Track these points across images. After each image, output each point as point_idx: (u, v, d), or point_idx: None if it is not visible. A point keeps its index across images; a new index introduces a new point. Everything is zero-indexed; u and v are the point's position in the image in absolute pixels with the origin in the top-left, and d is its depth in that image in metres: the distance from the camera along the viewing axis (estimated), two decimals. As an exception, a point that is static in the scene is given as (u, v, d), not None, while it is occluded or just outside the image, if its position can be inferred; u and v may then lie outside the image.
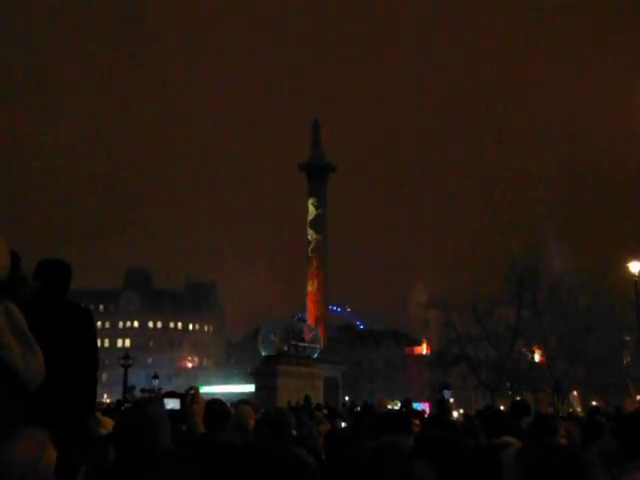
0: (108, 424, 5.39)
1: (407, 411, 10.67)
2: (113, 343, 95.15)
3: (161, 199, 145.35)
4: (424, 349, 61.64)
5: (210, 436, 4.92)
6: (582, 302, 39.45)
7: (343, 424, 11.92)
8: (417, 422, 7.43)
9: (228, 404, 6.31)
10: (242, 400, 8.84)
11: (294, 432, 6.54)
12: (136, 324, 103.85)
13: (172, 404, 5.06)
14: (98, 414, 5.05)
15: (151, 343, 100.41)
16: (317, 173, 67.38)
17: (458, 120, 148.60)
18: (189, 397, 5.11)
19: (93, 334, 4.88)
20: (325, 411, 17.29)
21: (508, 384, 43.16)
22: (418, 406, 32.67)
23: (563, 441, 6.16)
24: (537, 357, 43.94)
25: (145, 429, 3.29)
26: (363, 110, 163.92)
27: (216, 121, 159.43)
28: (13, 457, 2.55)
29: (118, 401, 23.43)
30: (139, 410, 3.44)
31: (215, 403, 5.24)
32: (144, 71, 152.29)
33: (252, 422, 6.86)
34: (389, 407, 16.16)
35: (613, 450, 5.30)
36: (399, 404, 27.54)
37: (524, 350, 43.40)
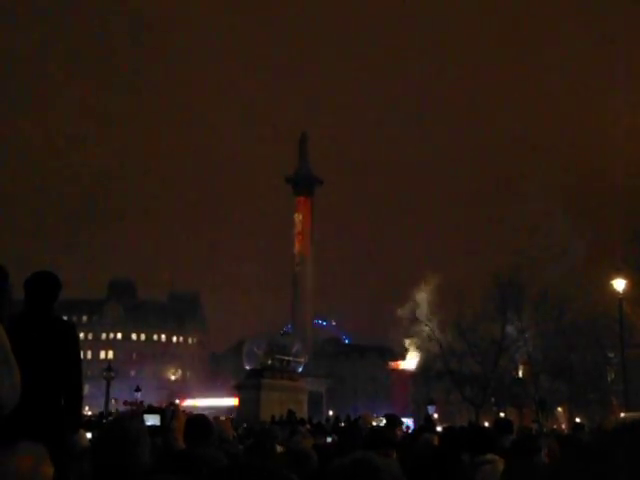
0: (84, 437, 5.33)
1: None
2: (96, 355, 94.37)
3: (146, 210, 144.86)
4: (408, 364, 61.60)
5: (190, 451, 4.88)
6: (566, 319, 39.58)
7: (329, 439, 11.86)
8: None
9: (211, 418, 6.26)
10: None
11: (280, 448, 6.48)
12: (119, 336, 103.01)
13: (152, 420, 5.02)
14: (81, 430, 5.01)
15: (134, 355, 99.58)
16: (304, 186, 67.56)
17: (446, 134, 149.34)
18: (169, 413, 5.07)
19: (77, 350, 4.86)
20: (308, 426, 17.21)
21: (493, 399, 43.18)
22: (406, 421, 32.60)
23: (546, 459, 6.14)
24: (521, 373, 44.04)
25: (125, 445, 3.27)
26: (351, 123, 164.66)
27: (202, 133, 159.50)
28: (10, 471, 2.55)
29: (100, 414, 23.23)
30: (119, 426, 3.41)
31: (197, 420, 5.18)
32: (128, 86, 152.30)
33: (231, 434, 6.81)
34: (374, 424, 16.09)
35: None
36: (383, 421, 27.49)
37: (509, 366, 43.48)
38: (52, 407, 4.41)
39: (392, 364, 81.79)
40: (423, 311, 44.23)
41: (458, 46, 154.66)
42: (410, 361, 55.86)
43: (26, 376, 3.53)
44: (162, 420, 5.08)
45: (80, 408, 4.85)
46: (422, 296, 44.47)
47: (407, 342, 47.52)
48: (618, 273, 27.64)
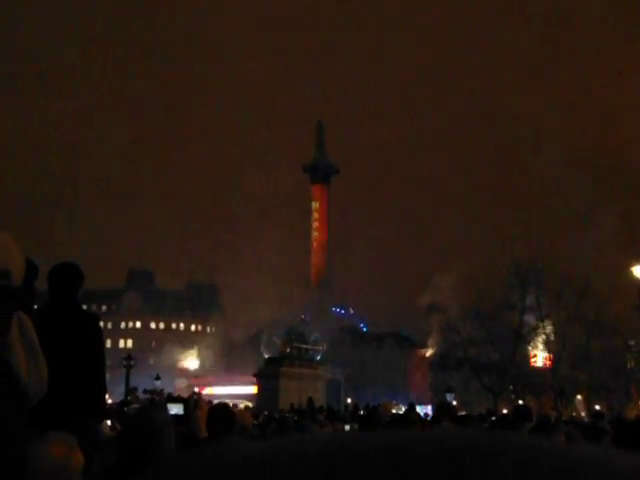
0: (105, 427, 5.39)
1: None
2: (115, 344, 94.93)
3: (163, 199, 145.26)
4: (427, 352, 61.62)
5: (212, 440, 4.92)
6: (586, 307, 39.36)
7: (347, 427, 11.90)
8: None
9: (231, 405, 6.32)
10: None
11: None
12: (138, 324, 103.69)
13: (176, 409, 5.07)
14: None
15: (153, 344, 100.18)
16: (321, 174, 67.57)
17: (465, 121, 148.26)
18: (192, 402, 5.11)
19: (101, 341, 4.91)
20: (325, 413, 17.26)
21: (511, 388, 43.10)
22: (422, 409, 32.70)
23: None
24: (540, 361, 43.90)
25: (150, 435, 3.30)
26: (368, 111, 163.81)
27: (218, 120, 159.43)
28: (46, 458, 2.65)
29: (121, 402, 23.44)
30: (144, 416, 3.45)
31: (219, 409, 5.23)
32: (145, 69, 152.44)
33: (251, 422, 6.86)
34: (393, 411, 16.12)
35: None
36: (403, 409, 27.55)
37: (528, 354, 43.37)
38: (76, 398, 4.47)
39: (411, 352, 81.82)
40: (442, 299, 44.18)
41: (481, 33, 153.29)
42: (429, 349, 55.93)
43: (51, 368, 3.58)
44: (185, 409, 5.13)
45: (104, 399, 4.91)
46: (441, 284, 44.45)
47: (426, 330, 47.53)
48: (638, 260, 27.46)
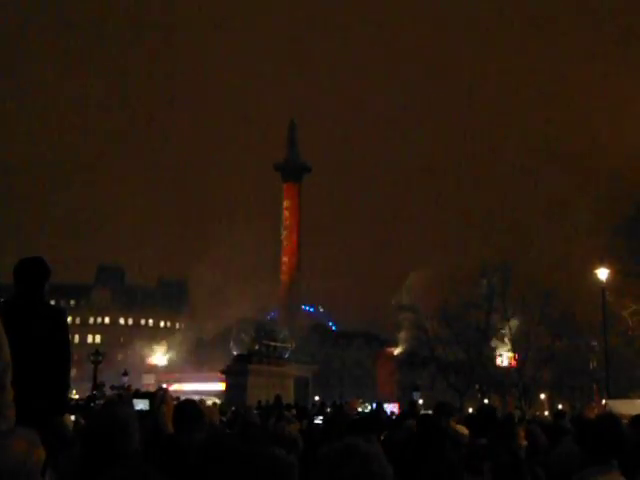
0: (69, 422, 5.39)
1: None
2: (83, 339, 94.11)
3: (135, 195, 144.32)
4: (395, 351, 62.00)
5: (179, 436, 4.93)
6: (551, 307, 39.85)
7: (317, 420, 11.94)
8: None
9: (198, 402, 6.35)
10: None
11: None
12: (107, 320, 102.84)
13: (141, 405, 5.07)
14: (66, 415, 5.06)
15: (122, 339, 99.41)
16: (292, 173, 67.56)
17: (436, 121, 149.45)
18: (158, 398, 5.11)
19: (66, 336, 4.91)
20: (294, 411, 17.31)
21: (477, 387, 43.54)
22: (388, 407, 32.92)
23: (524, 443, 6.31)
24: (506, 361, 44.40)
25: (115, 430, 3.32)
26: (340, 110, 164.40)
27: (190, 119, 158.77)
28: (6, 453, 2.63)
29: (88, 397, 23.32)
30: (109, 411, 3.47)
31: (186, 405, 5.22)
32: (115, 73, 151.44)
33: (218, 418, 6.88)
34: (359, 409, 16.24)
35: (575, 454, 5.45)
36: (369, 407, 27.74)
37: (494, 354, 43.82)
38: (39, 393, 4.47)
39: (379, 351, 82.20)
40: (411, 298, 44.47)
41: (456, 29, 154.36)
42: (396, 348, 56.23)
43: (14, 361, 3.60)
44: (151, 405, 5.12)
45: (66, 393, 4.91)
46: (410, 284, 44.72)
47: (394, 329, 47.76)
48: (601, 263, 27.85)
